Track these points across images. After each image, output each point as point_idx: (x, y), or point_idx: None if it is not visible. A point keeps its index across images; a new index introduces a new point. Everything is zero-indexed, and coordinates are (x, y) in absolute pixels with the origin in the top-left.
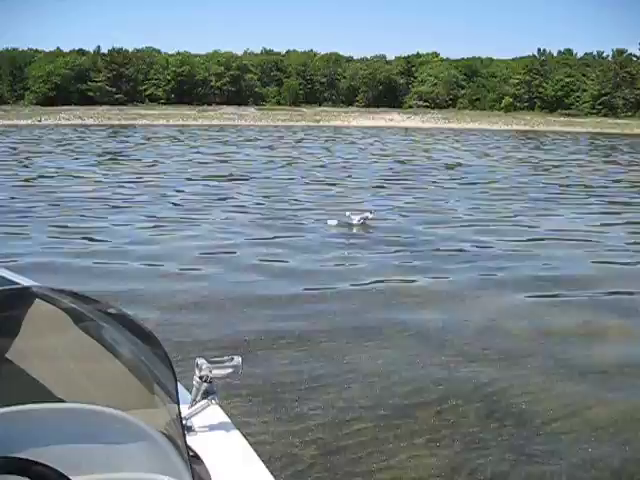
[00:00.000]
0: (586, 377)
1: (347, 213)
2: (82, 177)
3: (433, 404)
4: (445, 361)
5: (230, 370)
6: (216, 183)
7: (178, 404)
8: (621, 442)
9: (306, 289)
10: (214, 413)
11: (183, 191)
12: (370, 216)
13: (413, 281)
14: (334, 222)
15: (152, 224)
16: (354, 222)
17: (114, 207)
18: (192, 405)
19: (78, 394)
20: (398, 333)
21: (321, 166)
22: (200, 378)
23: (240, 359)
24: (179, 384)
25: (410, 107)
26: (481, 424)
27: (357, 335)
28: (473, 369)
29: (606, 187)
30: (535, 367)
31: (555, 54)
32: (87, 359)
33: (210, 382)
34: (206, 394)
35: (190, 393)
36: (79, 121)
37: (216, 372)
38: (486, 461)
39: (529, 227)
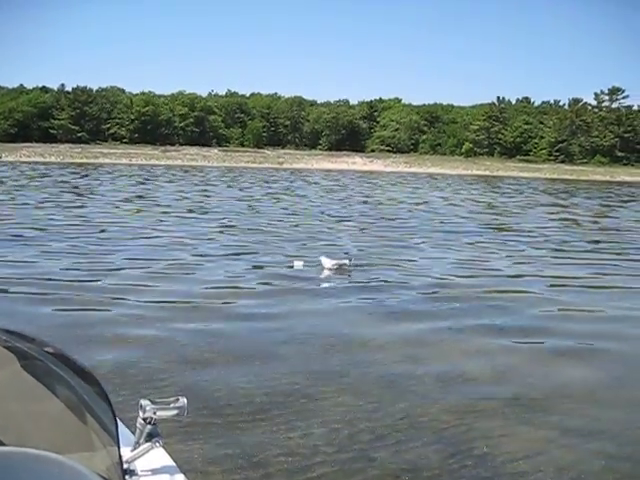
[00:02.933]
0: (548, 418)
1: (322, 258)
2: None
3: (394, 447)
4: (405, 406)
5: (175, 412)
6: (180, 218)
7: (118, 446)
8: None
9: (267, 329)
10: (158, 456)
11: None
12: (347, 262)
13: (372, 325)
14: (300, 264)
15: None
16: (326, 266)
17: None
18: (135, 448)
19: (14, 436)
20: (359, 378)
21: (285, 208)
22: (144, 420)
23: (185, 400)
24: (123, 426)
25: (372, 151)
26: (442, 466)
27: (317, 379)
28: (433, 413)
29: (543, 227)
30: (494, 408)
31: (514, 102)
32: (25, 398)
33: (154, 424)
34: (150, 437)
35: (134, 435)
36: (40, 159)
37: (160, 414)
38: None
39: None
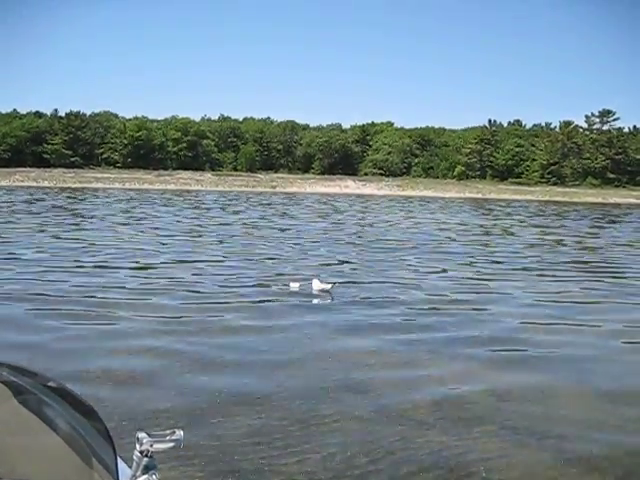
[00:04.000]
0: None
1: (314, 280)
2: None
3: (390, 473)
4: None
5: (172, 444)
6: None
7: None
8: None
9: (261, 350)
10: None
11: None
12: (329, 287)
13: (366, 346)
14: (296, 285)
15: None
16: (315, 288)
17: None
18: None
19: (13, 470)
20: (353, 402)
21: (282, 230)
22: (140, 452)
23: (182, 433)
24: (120, 459)
25: (365, 174)
26: None
27: (313, 402)
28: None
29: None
30: (489, 429)
31: (505, 125)
32: (24, 433)
33: (151, 457)
34: (146, 469)
35: (130, 468)
36: (34, 183)
37: (157, 446)
38: None
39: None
